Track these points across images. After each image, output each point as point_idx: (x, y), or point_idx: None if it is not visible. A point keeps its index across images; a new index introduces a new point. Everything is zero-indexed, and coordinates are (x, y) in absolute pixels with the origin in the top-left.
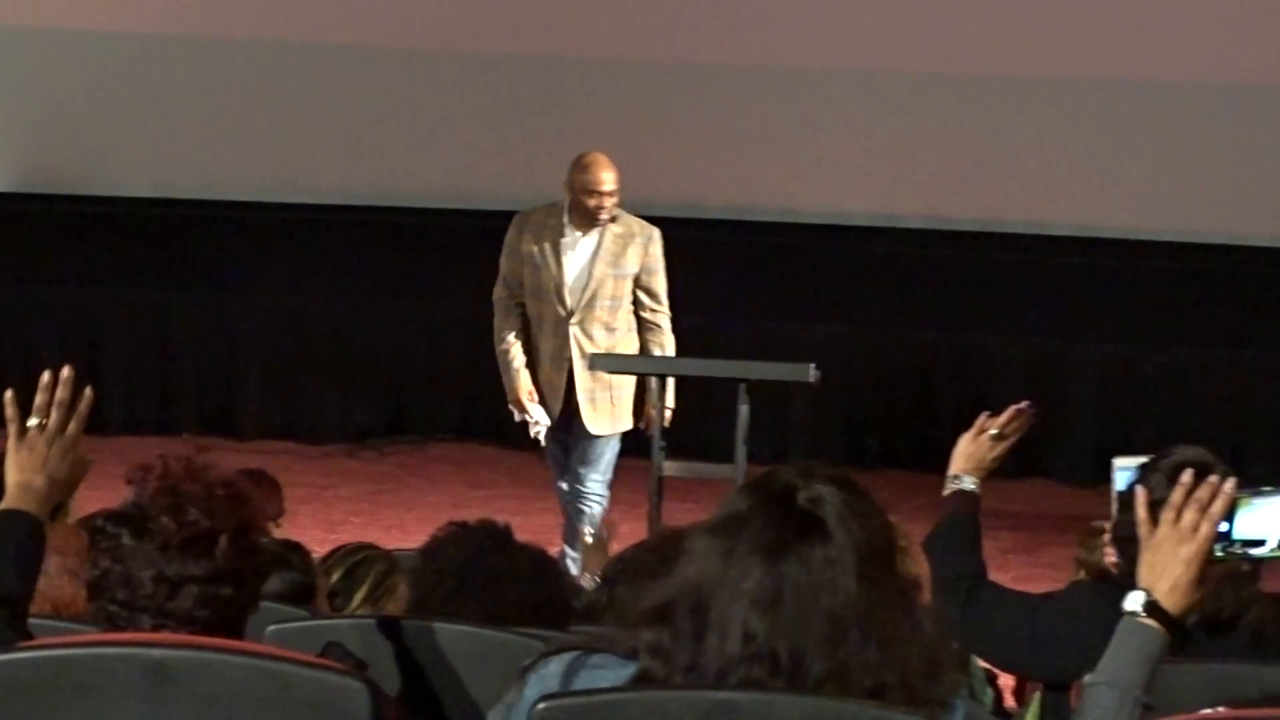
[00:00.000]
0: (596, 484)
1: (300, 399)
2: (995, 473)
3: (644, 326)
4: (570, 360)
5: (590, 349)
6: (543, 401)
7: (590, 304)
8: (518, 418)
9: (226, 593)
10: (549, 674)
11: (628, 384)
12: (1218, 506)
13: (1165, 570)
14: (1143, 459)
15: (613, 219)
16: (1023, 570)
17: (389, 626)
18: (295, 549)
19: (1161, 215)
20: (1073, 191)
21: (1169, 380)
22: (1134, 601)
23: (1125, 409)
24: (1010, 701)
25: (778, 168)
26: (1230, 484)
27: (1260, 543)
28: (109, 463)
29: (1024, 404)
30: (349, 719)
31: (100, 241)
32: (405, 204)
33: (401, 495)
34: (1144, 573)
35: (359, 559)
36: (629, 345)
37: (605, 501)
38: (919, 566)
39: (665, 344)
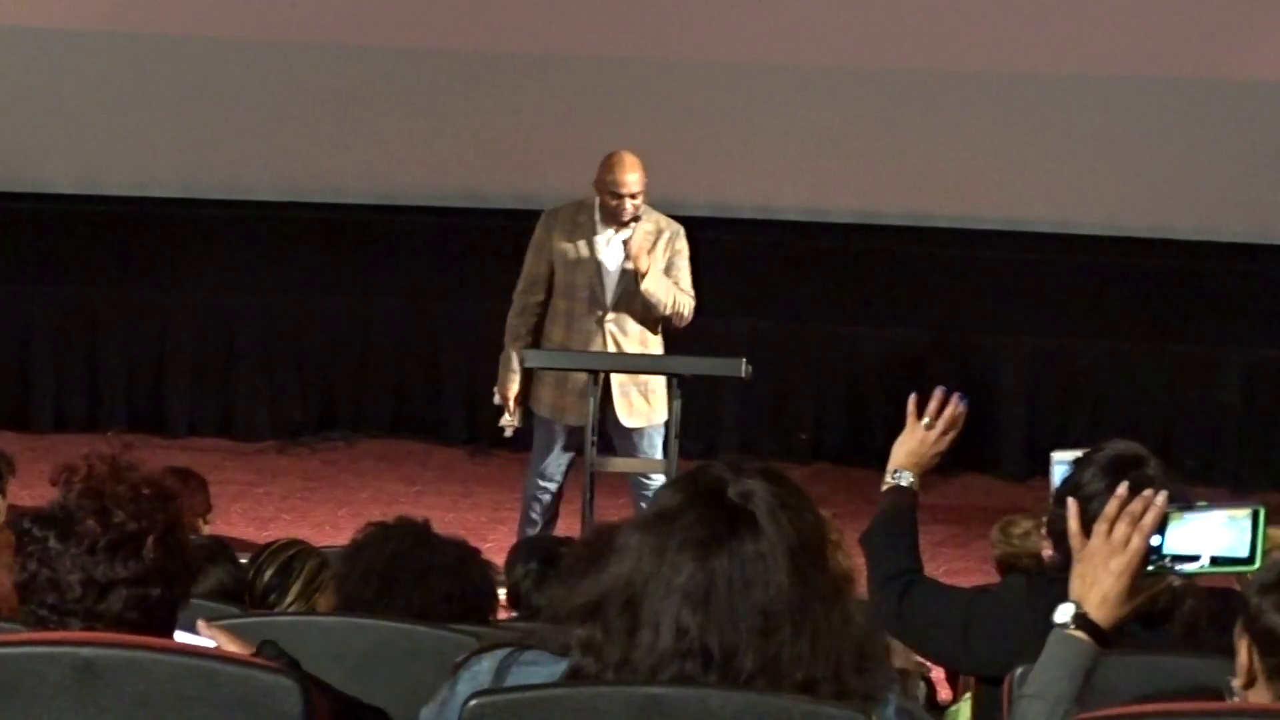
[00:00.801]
0: (658, 480)
1: (230, 396)
2: None
3: None
4: None
5: (626, 345)
6: (559, 400)
7: (626, 302)
8: (497, 400)
9: (155, 593)
10: (481, 670)
11: (658, 378)
12: (1149, 520)
13: (1096, 582)
14: (1079, 452)
15: (636, 218)
16: (954, 564)
17: (321, 623)
18: (223, 548)
19: (1090, 209)
20: (1002, 186)
21: (1099, 374)
22: (1064, 614)
23: (1056, 403)
24: (944, 694)
25: (708, 163)
26: (1162, 497)
27: (1194, 558)
28: (39, 461)
29: (954, 396)
30: (280, 717)
31: (28, 239)
32: (334, 200)
33: (332, 492)
34: (1075, 584)
35: (291, 555)
36: (659, 343)
37: None
38: (850, 561)
39: (679, 293)
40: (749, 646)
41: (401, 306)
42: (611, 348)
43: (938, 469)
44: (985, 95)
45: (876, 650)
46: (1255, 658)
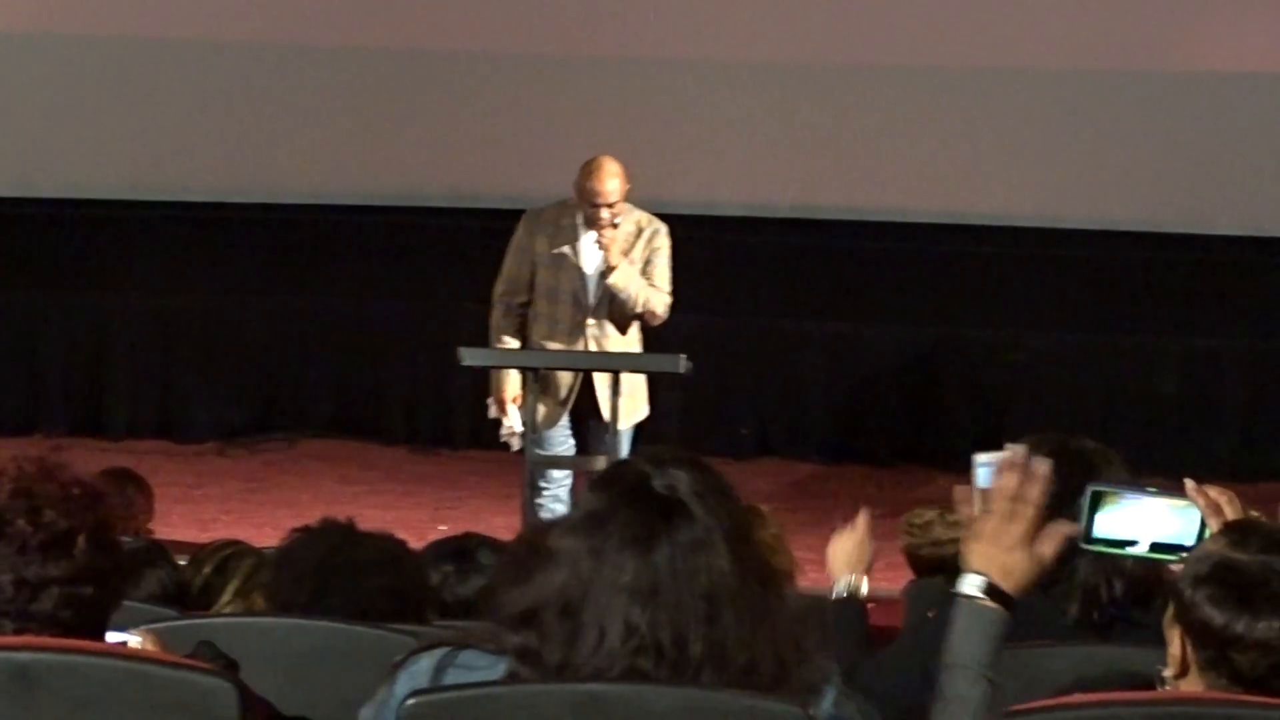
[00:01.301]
0: None
1: (170, 398)
2: (871, 459)
3: None
4: None
5: (607, 348)
6: (544, 398)
7: (607, 304)
8: (493, 413)
9: (88, 592)
10: (420, 670)
11: (637, 376)
12: (1036, 491)
13: (993, 557)
14: (1001, 454)
15: (614, 225)
16: (896, 556)
17: (259, 624)
18: (160, 550)
19: (1027, 202)
20: (939, 179)
21: (1038, 366)
22: (972, 585)
23: (996, 395)
24: None
25: (646, 158)
26: (1045, 465)
27: (1131, 542)
28: None
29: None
30: (216, 719)
31: None
32: (271, 200)
33: (273, 493)
34: (973, 560)
35: (228, 554)
36: (638, 344)
37: None
38: (791, 556)
39: (652, 291)
40: (697, 633)
41: (340, 306)
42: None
43: (881, 462)
44: (923, 89)
45: (814, 641)
46: (1188, 649)
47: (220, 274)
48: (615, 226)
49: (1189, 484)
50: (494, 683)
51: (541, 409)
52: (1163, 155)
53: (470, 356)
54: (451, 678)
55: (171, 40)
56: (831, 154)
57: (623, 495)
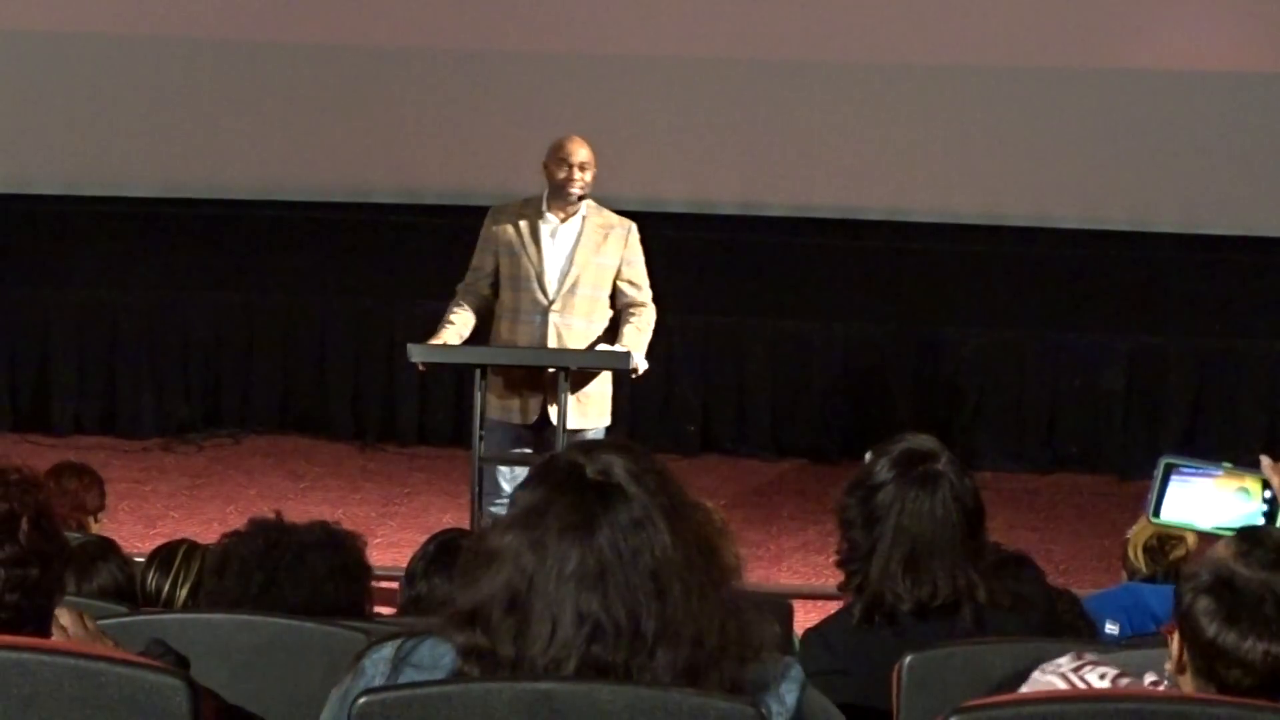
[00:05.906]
0: None
1: (115, 394)
2: (816, 455)
3: (624, 312)
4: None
5: (570, 339)
6: (513, 396)
7: (571, 292)
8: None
9: (34, 574)
10: (381, 658)
11: (602, 382)
12: None
13: None
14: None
15: (582, 197)
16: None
17: (208, 621)
18: (110, 547)
19: (973, 199)
20: (883, 177)
21: (983, 362)
22: None
23: (942, 392)
24: None
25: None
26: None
27: (1197, 519)
28: None
29: None
30: (167, 716)
31: None
32: (216, 196)
33: (220, 489)
34: None
35: (182, 553)
36: (606, 341)
37: None
38: (735, 551)
39: (642, 324)
40: (649, 611)
41: (285, 302)
42: (554, 340)
43: (825, 457)
44: (866, 86)
45: (765, 636)
46: (1185, 651)
47: (165, 270)
48: (583, 197)
49: (1265, 461)
50: (446, 681)
51: (497, 401)
52: (1106, 153)
53: (418, 353)
54: (415, 658)
55: (108, 35)
56: (775, 150)
57: (558, 486)
